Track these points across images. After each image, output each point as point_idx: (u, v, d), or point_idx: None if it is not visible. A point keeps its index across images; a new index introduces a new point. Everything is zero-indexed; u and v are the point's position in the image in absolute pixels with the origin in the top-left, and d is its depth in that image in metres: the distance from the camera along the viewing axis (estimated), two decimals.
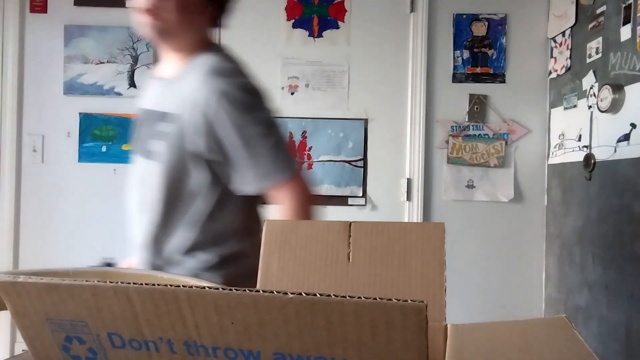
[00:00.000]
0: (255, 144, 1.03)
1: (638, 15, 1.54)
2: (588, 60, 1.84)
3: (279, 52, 2.27)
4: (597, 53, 1.78)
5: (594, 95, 1.77)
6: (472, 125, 2.24)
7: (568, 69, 2.01)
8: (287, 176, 1.05)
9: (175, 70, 1.11)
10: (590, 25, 1.83)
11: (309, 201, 1.08)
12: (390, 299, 0.35)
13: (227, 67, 1.07)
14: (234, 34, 2.29)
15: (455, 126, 2.25)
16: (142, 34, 1.09)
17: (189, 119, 1.02)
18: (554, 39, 2.16)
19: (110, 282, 0.40)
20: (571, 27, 1.99)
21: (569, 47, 2.01)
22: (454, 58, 2.26)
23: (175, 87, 1.09)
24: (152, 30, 1.06)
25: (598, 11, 1.78)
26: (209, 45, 1.13)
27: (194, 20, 1.09)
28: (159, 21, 1.04)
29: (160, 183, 1.06)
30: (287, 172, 1.05)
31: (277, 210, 1.08)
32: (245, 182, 1.06)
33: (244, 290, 0.38)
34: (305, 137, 2.26)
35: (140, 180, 1.12)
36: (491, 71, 2.25)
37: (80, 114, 2.28)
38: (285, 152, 1.07)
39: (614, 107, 1.62)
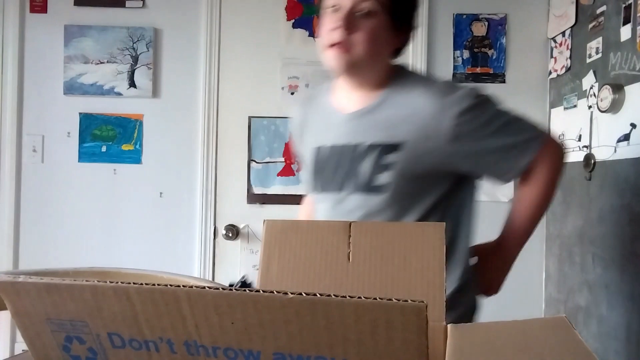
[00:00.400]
0: (505, 135, 1.06)
1: (638, 15, 1.54)
2: (588, 60, 1.84)
3: (279, 52, 2.27)
4: (597, 53, 1.78)
5: (594, 95, 1.77)
6: None
7: (568, 69, 2.01)
8: (541, 144, 1.08)
9: (366, 101, 1.10)
10: (590, 25, 1.83)
11: (563, 160, 1.13)
12: (390, 299, 0.35)
13: (443, 83, 1.09)
14: (234, 34, 2.29)
15: None
16: (330, 67, 1.08)
17: (423, 143, 1.03)
18: (554, 39, 2.16)
19: (110, 282, 0.40)
20: (571, 27, 1.99)
21: (569, 47, 2.01)
22: (454, 58, 2.26)
23: (379, 116, 1.08)
24: (342, 64, 1.04)
25: (598, 11, 1.78)
26: (395, 71, 1.12)
27: (383, 51, 1.08)
28: (349, 55, 1.03)
29: (393, 214, 1.06)
30: (539, 140, 1.08)
31: (533, 180, 1.11)
32: (508, 172, 1.09)
33: (244, 291, 0.38)
34: None
35: (363, 217, 1.08)
36: (491, 71, 2.25)
37: (80, 114, 2.28)
38: (528, 125, 1.11)
39: (614, 107, 1.62)
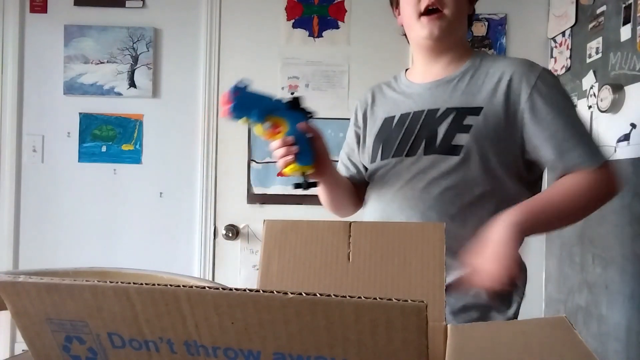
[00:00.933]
0: (576, 123, 1.05)
1: (638, 15, 1.54)
2: (588, 60, 1.84)
3: (279, 52, 2.27)
4: (597, 53, 1.78)
5: (594, 95, 1.77)
6: None
7: (568, 69, 2.01)
8: (600, 163, 1.03)
9: (447, 72, 1.15)
10: (590, 25, 1.83)
11: (609, 196, 1.06)
12: (390, 299, 0.35)
13: (523, 58, 1.12)
14: (234, 34, 2.29)
15: None
16: (426, 34, 1.11)
17: (503, 107, 1.06)
18: (554, 39, 2.16)
19: (111, 282, 0.40)
20: (571, 27, 1.99)
21: (569, 47, 2.01)
22: None
23: (462, 84, 1.12)
24: (439, 27, 1.09)
25: (598, 11, 1.78)
26: (472, 49, 1.19)
27: (465, 14, 1.15)
28: (444, 18, 1.09)
29: (463, 178, 1.06)
30: (601, 159, 1.04)
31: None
32: (558, 162, 1.04)
33: (244, 290, 0.38)
34: None
35: (436, 177, 1.08)
36: None
37: (80, 114, 2.28)
38: (595, 141, 1.06)
39: (614, 107, 1.62)
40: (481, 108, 1.07)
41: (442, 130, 1.09)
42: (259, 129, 1.02)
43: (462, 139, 1.07)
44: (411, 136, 1.12)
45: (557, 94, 1.07)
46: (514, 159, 1.09)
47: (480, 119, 1.06)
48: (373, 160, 1.20)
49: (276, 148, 1.03)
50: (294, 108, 1.04)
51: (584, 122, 1.07)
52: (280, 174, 2.26)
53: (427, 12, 1.09)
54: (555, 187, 1.04)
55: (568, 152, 1.03)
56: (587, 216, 1.06)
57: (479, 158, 1.06)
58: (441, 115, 1.10)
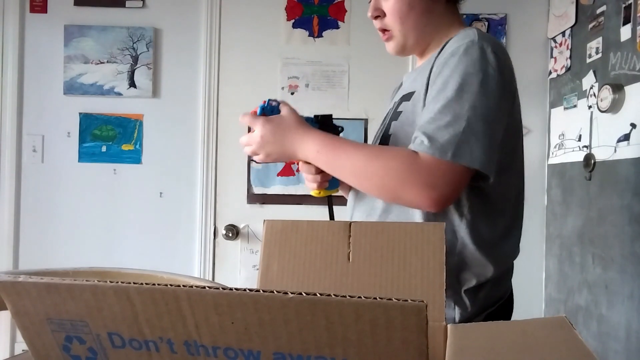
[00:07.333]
0: (445, 108, 0.84)
1: (638, 15, 1.54)
2: (588, 60, 1.84)
3: (279, 52, 2.27)
4: (597, 53, 1.78)
5: (594, 95, 1.77)
6: None
7: (568, 69, 2.01)
8: (440, 156, 0.81)
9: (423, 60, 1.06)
10: (590, 25, 1.83)
11: (409, 187, 0.83)
12: (390, 299, 0.35)
13: (474, 29, 0.94)
14: (234, 34, 2.29)
15: None
16: (388, 51, 1.05)
17: (422, 91, 0.92)
18: (554, 39, 2.16)
19: (111, 282, 0.40)
20: (571, 27, 1.99)
21: (569, 47, 2.01)
22: None
23: (416, 72, 1.04)
24: (393, 51, 1.04)
25: (598, 11, 1.78)
26: (460, 25, 1.04)
27: (423, 13, 0.99)
28: (392, 41, 1.03)
29: None
30: (445, 154, 0.81)
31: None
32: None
33: (244, 290, 0.38)
34: None
35: None
36: None
37: (80, 114, 2.28)
38: (456, 133, 0.82)
39: (614, 107, 1.62)
40: (413, 92, 0.96)
41: (387, 121, 1.03)
42: None
43: (392, 127, 0.98)
44: (377, 131, 1.10)
45: (452, 70, 0.87)
46: None
47: (409, 104, 0.95)
48: None
49: (304, 172, 1.02)
50: (323, 126, 1.00)
51: (466, 108, 0.83)
52: (280, 174, 2.26)
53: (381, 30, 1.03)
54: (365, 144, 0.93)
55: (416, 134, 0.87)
56: (368, 188, 0.90)
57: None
58: (395, 106, 1.04)
